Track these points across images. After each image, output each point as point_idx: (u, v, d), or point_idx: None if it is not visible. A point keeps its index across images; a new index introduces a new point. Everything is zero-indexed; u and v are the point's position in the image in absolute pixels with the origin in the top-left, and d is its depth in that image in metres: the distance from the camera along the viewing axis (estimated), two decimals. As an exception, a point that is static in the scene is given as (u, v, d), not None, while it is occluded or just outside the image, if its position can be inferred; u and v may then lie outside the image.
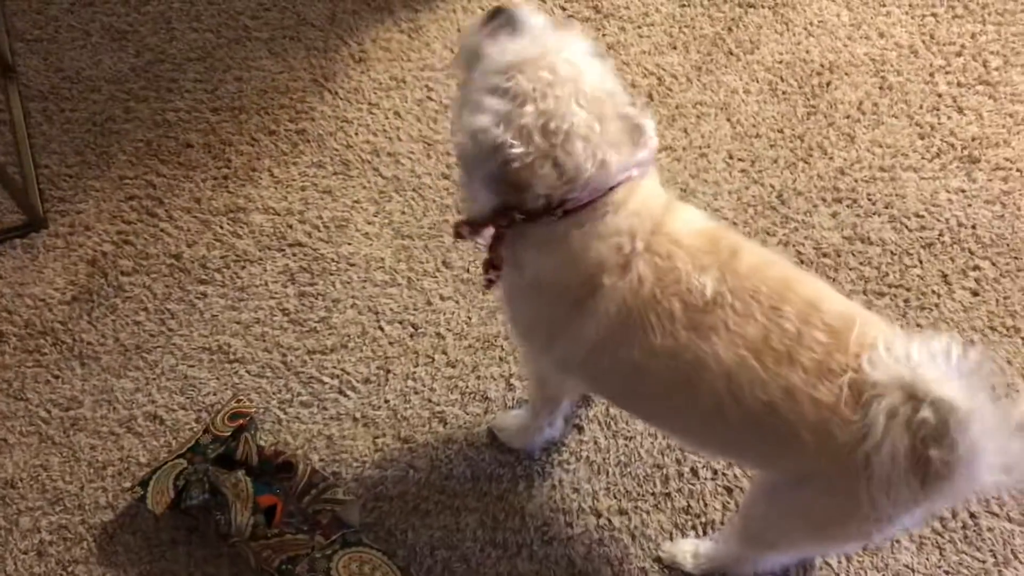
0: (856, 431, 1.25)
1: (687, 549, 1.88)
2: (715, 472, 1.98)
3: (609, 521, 1.94)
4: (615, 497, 1.97)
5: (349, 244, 2.30)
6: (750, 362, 1.34)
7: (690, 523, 1.94)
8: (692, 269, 1.39)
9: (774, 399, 1.32)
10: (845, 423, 1.27)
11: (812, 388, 1.30)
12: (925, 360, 1.22)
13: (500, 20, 1.43)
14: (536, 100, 1.29)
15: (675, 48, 2.62)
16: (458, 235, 1.44)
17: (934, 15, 2.65)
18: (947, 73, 2.53)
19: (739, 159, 2.41)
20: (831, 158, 2.39)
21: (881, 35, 2.61)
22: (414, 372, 2.13)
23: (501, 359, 2.14)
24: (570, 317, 1.45)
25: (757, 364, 1.33)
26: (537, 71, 1.31)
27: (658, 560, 1.91)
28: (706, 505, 1.95)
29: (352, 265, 2.27)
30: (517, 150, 1.29)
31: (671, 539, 1.92)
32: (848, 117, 2.46)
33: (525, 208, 1.35)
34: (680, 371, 1.39)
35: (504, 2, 1.45)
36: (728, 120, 2.47)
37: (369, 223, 2.34)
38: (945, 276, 2.20)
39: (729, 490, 1.96)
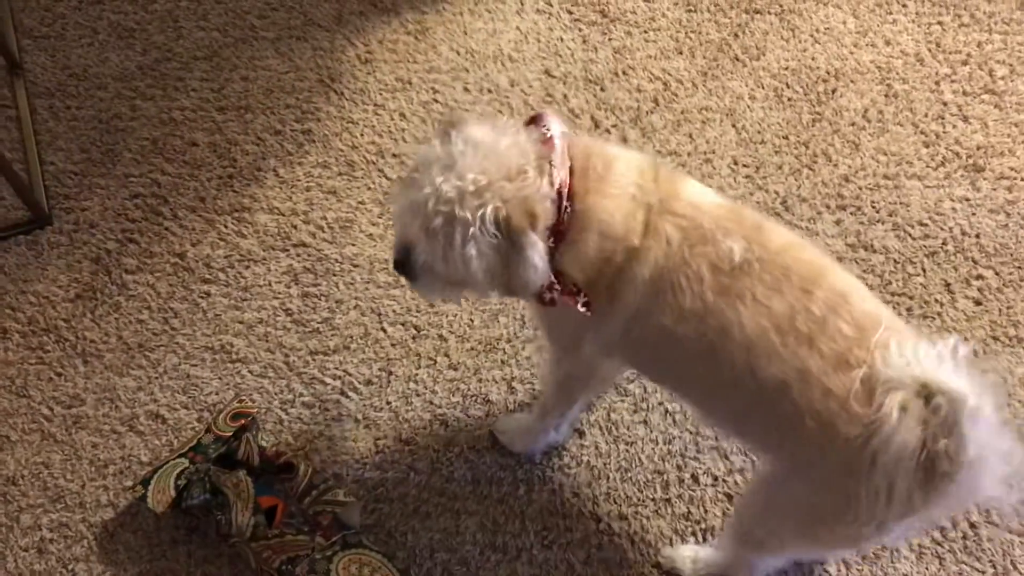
0: (861, 427, 1.27)
1: (687, 555, 1.88)
2: (715, 479, 1.98)
3: (609, 526, 1.94)
4: (615, 502, 1.97)
5: (353, 245, 2.31)
6: (771, 336, 1.37)
7: (690, 529, 1.94)
8: (717, 231, 1.42)
9: (788, 378, 1.35)
10: (851, 417, 1.29)
11: (826, 376, 1.32)
12: (935, 359, 1.24)
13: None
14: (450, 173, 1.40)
15: (681, 53, 2.62)
16: (551, 303, 1.49)
17: (940, 24, 2.64)
18: (953, 82, 2.53)
19: (744, 165, 2.41)
20: (836, 165, 2.39)
21: (887, 43, 2.61)
22: (416, 374, 2.13)
23: (503, 362, 2.14)
24: (610, 294, 1.48)
25: (778, 339, 1.36)
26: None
27: (657, 566, 1.91)
28: (706, 511, 1.95)
29: (356, 266, 2.27)
30: (493, 206, 1.38)
31: (671, 545, 1.92)
32: (853, 124, 2.46)
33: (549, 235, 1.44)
34: (705, 338, 1.41)
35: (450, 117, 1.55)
36: (733, 126, 2.47)
37: (373, 224, 2.34)
38: (948, 285, 2.20)
39: (729, 497, 1.96)
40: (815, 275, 1.39)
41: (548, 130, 1.47)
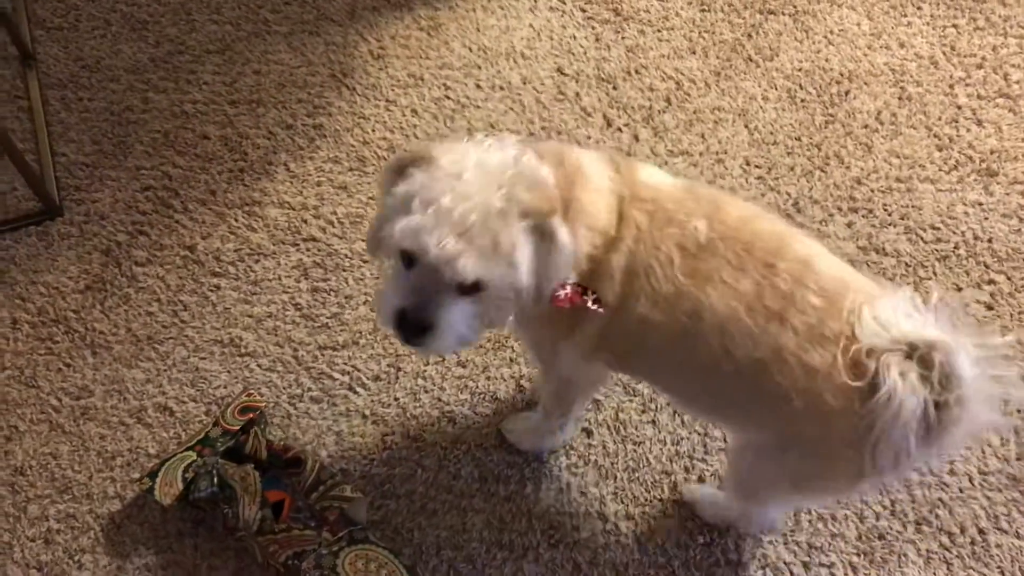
0: (852, 399, 1.31)
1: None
2: (723, 480, 1.98)
3: (616, 526, 1.94)
4: (622, 502, 1.97)
5: (363, 240, 2.30)
6: (742, 316, 1.38)
7: (697, 530, 1.93)
8: (680, 211, 1.44)
9: (764, 357, 1.37)
10: (839, 390, 1.32)
11: (803, 352, 1.35)
12: (908, 316, 1.31)
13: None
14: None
15: (695, 53, 2.62)
16: (563, 302, 1.44)
17: (955, 27, 2.63)
18: (967, 85, 2.52)
19: (756, 166, 2.40)
20: (848, 167, 2.38)
21: (902, 45, 2.60)
22: (424, 371, 2.13)
23: (511, 360, 2.13)
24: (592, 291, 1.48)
25: (749, 320, 1.38)
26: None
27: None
28: (713, 513, 1.95)
29: (365, 262, 2.27)
30: (518, 199, 1.33)
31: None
32: (866, 127, 2.45)
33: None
34: (679, 322, 1.42)
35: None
36: (746, 126, 2.47)
37: (383, 220, 2.34)
38: (960, 289, 2.19)
39: (737, 498, 1.96)
40: (776, 246, 1.42)
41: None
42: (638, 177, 1.49)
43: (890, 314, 1.31)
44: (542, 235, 1.35)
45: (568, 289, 1.43)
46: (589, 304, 1.45)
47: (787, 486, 1.61)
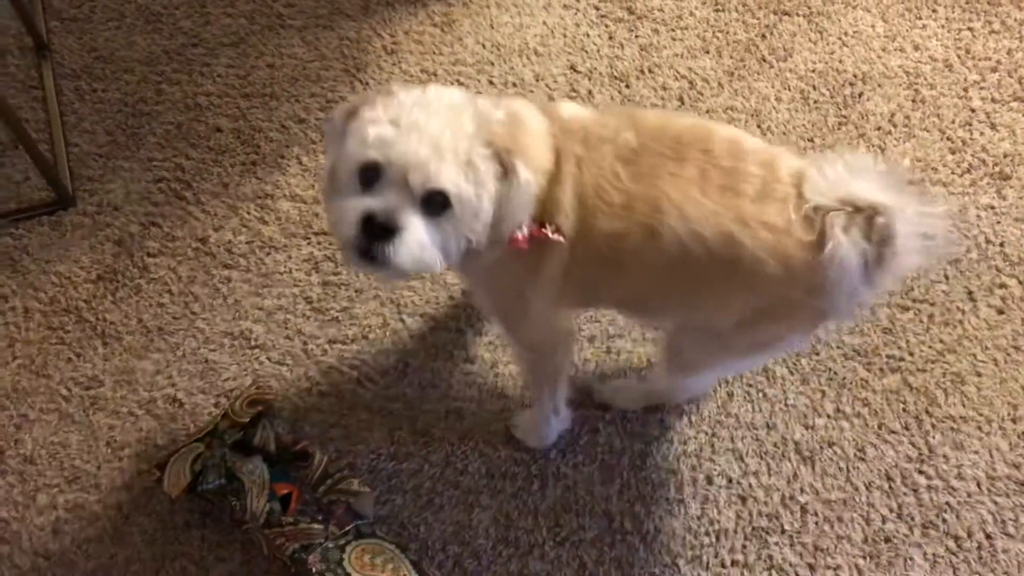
0: (811, 251, 1.41)
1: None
2: (730, 480, 1.98)
3: (622, 524, 1.94)
4: (628, 501, 1.97)
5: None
6: (698, 197, 1.44)
7: (703, 529, 1.93)
8: (606, 130, 1.51)
9: (730, 229, 1.43)
10: (799, 243, 1.41)
11: (762, 214, 1.43)
12: (851, 176, 1.42)
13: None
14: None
15: (708, 53, 2.61)
16: (524, 242, 1.46)
17: (970, 29, 2.62)
18: (981, 88, 2.51)
19: (767, 167, 2.39)
20: (860, 169, 2.37)
21: (916, 48, 2.60)
22: (433, 366, 2.14)
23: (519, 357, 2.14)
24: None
25: (706, 199, 1.44)
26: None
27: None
28: (720, 512, 1.95)
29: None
30: (486, 135, 1.39)
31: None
32: (879, 129, 2.45)
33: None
34: (643, 223, 1.46)
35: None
36: (759, 127, 2.46)
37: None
38: (971, 293, 2.19)
39: (743, 499, 1.96)
40: (704, 134, 1.50)
41: None
42: (563, 114, 1.54)
43: (837, 175, 1.42)
44: (504, 171, 1.39)
45: (525, 229, 1.45)
46: (550, 234, 1.46)
47: (740, 355, 1.76)
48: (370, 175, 1.36)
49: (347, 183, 1.40)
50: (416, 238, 1.35)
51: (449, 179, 1.33)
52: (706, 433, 2.04)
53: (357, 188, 1.38)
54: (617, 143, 1.49)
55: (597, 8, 2.71)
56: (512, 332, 1.80)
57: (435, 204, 1.36)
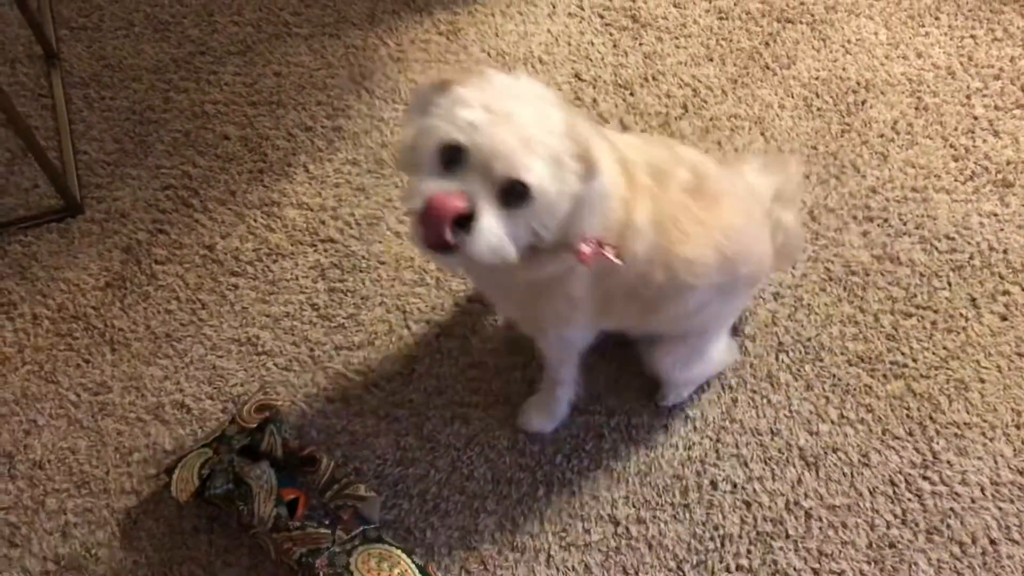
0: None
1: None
2: (734, 485, 1.99)
3: (627, 530, 1.95)
4: (634, 506, 1.98)
5: (380, 242, 2.32)
6: (748, 221, 1.77)
7: (708, 534, 1.94)
8: (662, 164, 1.61)
9: (763, 235, 1.84)
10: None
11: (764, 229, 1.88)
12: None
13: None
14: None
15: (712, 60, 2.63)
16: (587, 256, 1.45)
17: (973, 37, 2.64)
18: (984, 96, 2.52)
19: (771, 174, 2.41)
20: (863, 176, 2.39)
21: (919, 55, 2.61)
22: (438, 372, 2.15)
23: (525, 364, 2.15)
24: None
25: (752, 222, 1.79)
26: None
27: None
28: (724, 517, 1.96)
29: (382, 263, 2.29)
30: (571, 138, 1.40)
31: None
32: (882, 136, 2.46)
33: None
34: (718, 250, 1.65)
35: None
36: (762, 134, 2.48)
37: (400, 222, 2.36)
38: (974, 300, 2.20)
39: (748, 504, 1.97)
40: (711, 169, 1.70)
41: None
42: (617, 141, 1.57)
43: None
44: (586, 176, 1.37)
45: (591, 245, 1.43)
46: (611, 257, 1.46)
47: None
48: (453, 156, 1.31)
49: (427, 160, 1.35)
50: (493, 227, 1.31)
51: (535, 172, 1.29)
52: (711, 439, 2.05)
53: (437, 167, 1.33)
54: (678, 178, 1.60)
55: (601, 16, 2.72)
56: (546, 331, 1.82)
57: (513, 195, 1.31)
